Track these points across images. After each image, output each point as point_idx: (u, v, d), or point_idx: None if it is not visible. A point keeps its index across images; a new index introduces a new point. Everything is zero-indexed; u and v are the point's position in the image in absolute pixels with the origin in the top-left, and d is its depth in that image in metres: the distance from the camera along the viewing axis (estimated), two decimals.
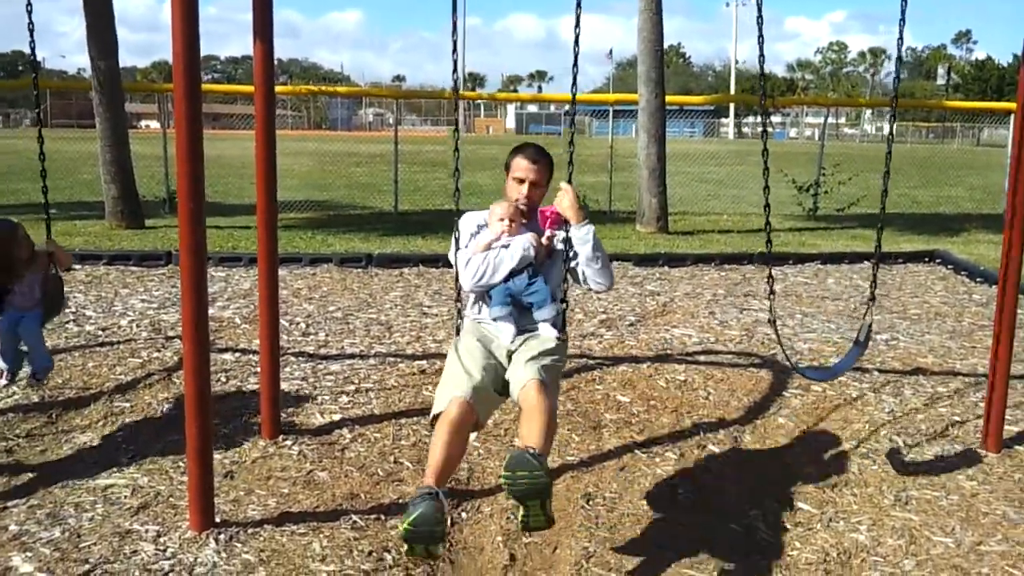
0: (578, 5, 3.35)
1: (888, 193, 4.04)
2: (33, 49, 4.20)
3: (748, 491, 3.84)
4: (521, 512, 2.86)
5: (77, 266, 8.04)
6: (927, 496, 3.72)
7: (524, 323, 3.37)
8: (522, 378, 3.10)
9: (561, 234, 3.42)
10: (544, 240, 3.42)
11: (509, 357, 3.29)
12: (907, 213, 14.66)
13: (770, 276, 3.87)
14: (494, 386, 3.19)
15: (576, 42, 3.37)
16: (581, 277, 3.46)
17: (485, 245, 3.39)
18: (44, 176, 4.30)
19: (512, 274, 3.35)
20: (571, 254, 3.41)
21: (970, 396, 4.89)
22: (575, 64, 3.44)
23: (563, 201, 3.39)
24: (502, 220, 3.38)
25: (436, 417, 3.08)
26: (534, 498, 2.79)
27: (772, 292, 3.84)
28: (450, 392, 3.09)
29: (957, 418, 4.58)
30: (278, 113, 4.26)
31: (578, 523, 3.53)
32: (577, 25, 3.36)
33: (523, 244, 3.34)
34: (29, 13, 4.10)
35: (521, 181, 3.46)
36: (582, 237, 3.37)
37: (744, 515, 3.63)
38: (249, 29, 3.82)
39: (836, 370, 4.18)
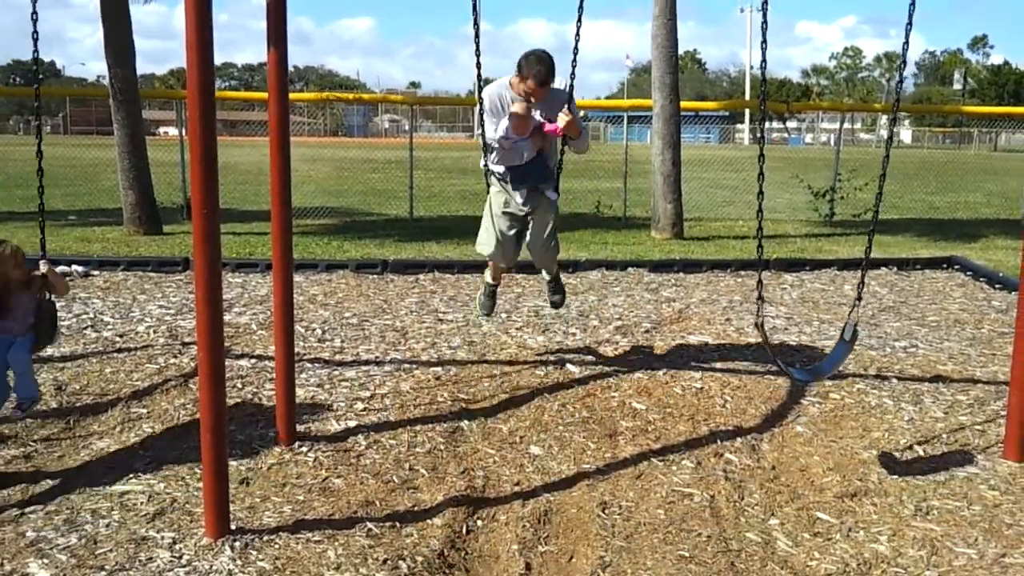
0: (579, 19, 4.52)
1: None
2: (36, 57, 4.07)
3: (766, 500, 3.81)
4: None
5: (95, 272, 8.08)
6: (948, 506, 3.67)
7: (532, 182, 4.75)
8: (541, 263, 5.26)
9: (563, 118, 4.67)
10: (547, 129, 4.64)
11: (526, 216, 4.86)
12: (924, 219, 14.56)
13: (759, 282, 3.85)
14: (519, 239, 4.91)
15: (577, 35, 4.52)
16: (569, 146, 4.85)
17: (507, 142, 4.62)
18: (42, 192, 4.02)
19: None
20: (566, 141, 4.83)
21: (991, 404, 4.84)
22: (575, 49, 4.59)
23: (563, 122, 4.60)
24: (516, 130, 4.55)
25: (484, 256, 5.16)
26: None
27: (760, 297, 3.84)
28: (491, 249, 4.96)
29: (978, 427, 4.53)
30: (294, 120, 4.25)
31: (594, 532, 3.51)
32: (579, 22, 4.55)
33: (524, 155, 4.69)
34: (34, 22, 4.01)
35: (529, 95, 4.54)
36: (579, 144, 4.77)
37: (763, 524, 3.60)
38: (262, 36, 3.84)
39: (823, 369, 4.16)
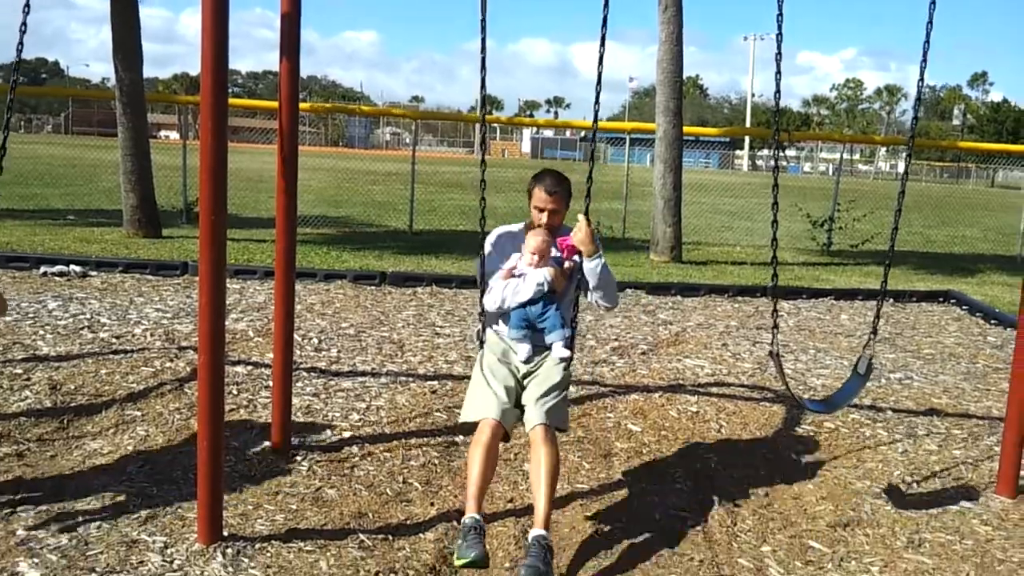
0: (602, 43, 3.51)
1: (899, 230, 4.06)
2: (20, 51, 3.88)
3: (759, 526, 3.81)
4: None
5: (93, 272, 8.06)
6: (941, 539, 3.68)
7: (538, 341, 3.76)
8: (532, 419, 3.51)
9: (577, 259, 3.79)
10: (565, 267, 3.79)
11: (524, 378, 3.69)
12: (921, 252, 14.62)
13: (775, 310, 3.87)
14: (514, 403, 3.61)
15: (599, 82, 3.58)
16: (590, 297, 3.85)
17: (507, 272, 3.77)
18: None
19: (529, 301, 3.71)
20: (583, 281, 3.79)
21: (984, 439, 4.85)
22: (597, 101, 3.61)
23: (578, 235, 3.72)
24: (533, 254, 3.73)
25: (468, 424, 3.59)
26: None
27: (775, 326, 3.87)
28: (482, 411, 3.52)
29: (971, 461, 4.54)
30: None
31: (586, 553, 3.50)
32: (600, 63, 3.58)
33: (538, 279, 3.69)
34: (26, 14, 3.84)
35: (541, 210, 3.80)
36: (593, 269, 3.74)
37: (755, 551, 3.60)
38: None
39: (837, 402, 4.15)
